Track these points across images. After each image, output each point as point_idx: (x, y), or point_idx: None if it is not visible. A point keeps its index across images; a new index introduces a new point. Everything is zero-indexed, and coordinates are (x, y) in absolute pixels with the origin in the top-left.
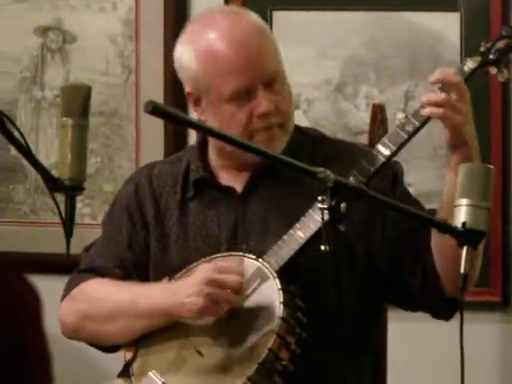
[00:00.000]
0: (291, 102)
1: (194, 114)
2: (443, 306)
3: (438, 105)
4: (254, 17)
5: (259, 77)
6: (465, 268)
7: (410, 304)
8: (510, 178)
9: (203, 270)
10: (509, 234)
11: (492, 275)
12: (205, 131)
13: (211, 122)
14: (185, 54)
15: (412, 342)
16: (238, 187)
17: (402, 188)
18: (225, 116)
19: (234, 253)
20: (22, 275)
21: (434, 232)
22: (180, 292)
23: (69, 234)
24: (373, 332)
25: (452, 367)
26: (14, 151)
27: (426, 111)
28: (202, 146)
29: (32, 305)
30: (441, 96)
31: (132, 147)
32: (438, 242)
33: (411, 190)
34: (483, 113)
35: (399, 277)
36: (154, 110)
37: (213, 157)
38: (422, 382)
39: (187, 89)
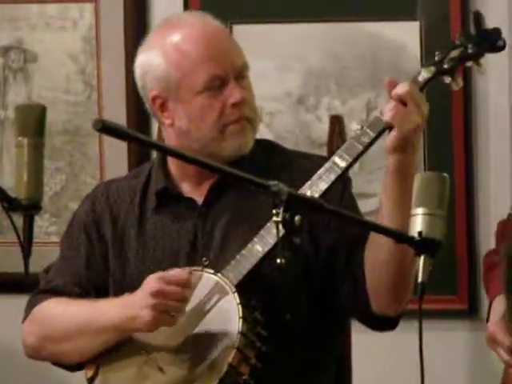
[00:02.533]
0: (255, 103)
1: (158, 127)
2: (371, 322)
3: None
4: (215, 20)
5: (230, 66)
6: (422, 277)
7: (344, 314)
8: (474, 184)
9: (148, 282)
10: (474, 241)
11: (458, 283)
12: (157, 148)
13: (180, 120)
14: (151, 55)
15: (376, 352)
16: (199, 199)
17: (347, 200)
18: (197, 110)
19: (193, 268)
20: None
21: (369, 243)
22: (130, 306)
23: (27, 253)
24: (334, 344)
25: (417, 376)
26: None
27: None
28: (163, 157)
29: None
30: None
31: (96, 164)
32: (371, 256)
33: (375, 200)
34: (445, 118)
35: (332, 287)
36: (103, 127)
37: (173, 168)
38: None
39: (153, 92)
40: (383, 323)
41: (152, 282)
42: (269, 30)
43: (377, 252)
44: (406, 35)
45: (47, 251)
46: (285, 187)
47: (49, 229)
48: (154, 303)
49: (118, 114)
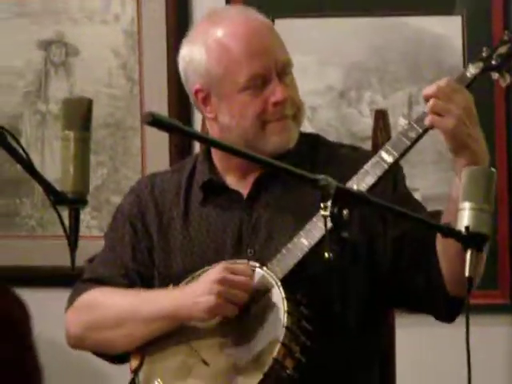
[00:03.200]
0: (300, 97)
1: (201, 121)
2: (446, 308)
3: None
4: (259, 14)
5: (273, 64)
6: (469, 271)
7: (413, 305)
8: None
9: (212, 271)
10: None
11: (499, 277)
12: (205, 141)
13: (222, 115)
14: (194, 50)
15: (419, 347)
16: (244, 191)
17: (402, 190)
18: (238, 106)
19: (238, 260)
20: (10, 290)
21: (438, 235)
22: (190, 293)
23: (73, 247)
24: (379, 338)
25: (460, 371)
26: None
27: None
28: (208, 150)
29: (21, 320)
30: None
31: (138, 158)
32: (443, 245)
33: (417, 195)
34: (487, 116)
35: (401, 275)
36: (153, 121)
37: (217, 160)
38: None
39: (196, 86)
40: (455, 309)
41: (217, 270)
42: (310, 25)
43: (445, 246)
44: (447, 29)
45: (89, 245)
46: (333, 181)
47: (90, 223)
48: (219, 290)
49: (159, 108)
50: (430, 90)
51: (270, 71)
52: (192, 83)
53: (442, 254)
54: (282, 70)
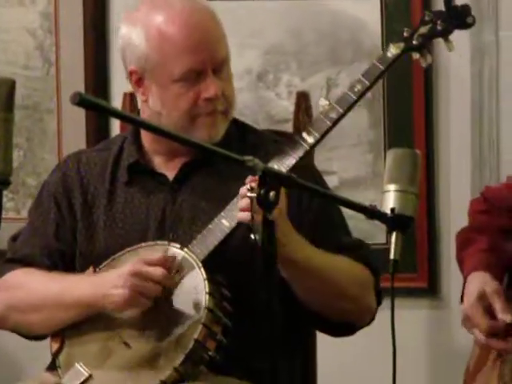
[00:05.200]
0: (234, 91)
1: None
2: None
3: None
4: (204, 1)
5: (210, 60)
6: (394, 254)
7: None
8: (435, 161)
9: (130, 264)
10: (434, 219)
11: (418, 261)
12: (134, 123)
13: (154, 100)
14: (134, 32)
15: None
16: (170, 175)
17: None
18: (170, 96)
19: (159, 242)
20: None
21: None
22: (105, 283)
23: None
24: (301, 322)
25: (383, 355)
26: None
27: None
28: (137, 131)
29: None
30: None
31: (54, 141)
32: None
33: (336, 178)
34: (406, 94)
35: None
36: (82, 101)
37: (146, 142)
38: (353, 369)
39: (131, 66)
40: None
41: (132, 263)
42: (229, 7)
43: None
44: (366, 12)
45: (5, 227)
46: (260, 163)
47: (6, 205)
48: (132, 283)
49: (76, 90)
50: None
51: (206, 66)
52: (128, 63)
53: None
54: (219, 66)
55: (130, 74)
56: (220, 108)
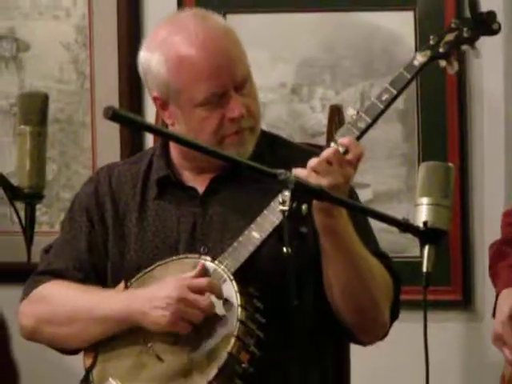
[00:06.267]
0: (259, 104)
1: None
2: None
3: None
4: (220, 20)
5: (231, 81)
6: (427, 267)
7: None
8: (469, 174)
9: (176, 287)
10: (468, 232)
11: (452, 273)
12: (167, 137)
13: (180, 125)
14: (153, 59)
15: (375, 345)
16: (200, 188)
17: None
18: (195, 120)
19: (190, 255)
20: None
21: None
22: (146, 300)
23: (29, 242)
24: (333, 334)
25: (416, 368)
26: None
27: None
28: (165, 145)
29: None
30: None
31: (88, 154)
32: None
33: (369, 190)
34: (440, 109)
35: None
36: (114, 115)
37: (176, 157)
38: (387, 378)
39: (154, 93)
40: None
41: (181, 287)
42: (262, 20)
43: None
44: (400, 24)
45: (39, 240)
46: (292, 176)
47: (40, 218)
48: (178, 309)
49: (110, 104)
50: (328, 151)
51: (228, 88)
52: (151, 89)
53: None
54: (241, 85)
55: (154, 99)
56: (246, 125)
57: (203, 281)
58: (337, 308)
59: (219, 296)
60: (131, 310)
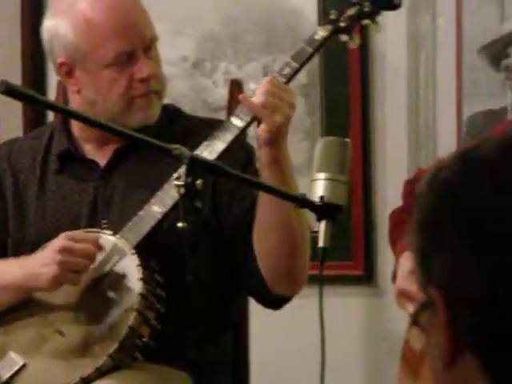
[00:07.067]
0: (163, 71)
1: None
2: (268, 301)
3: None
4: None
5: (139, 40)
6: (324, 242)
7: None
8: (371, 149)
9: (55, 240)
10: (370, 207)
11: (354, 249)
12: (62, 112)
13: (87, 89)
14: (60, 24)
15: (277, 319)
16: (102, 161)
17: (253, 169)
18: (104, 82)
19: (90, 229)
20: None
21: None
22: (34, 263)
23: None
24: (233, 308)
25: (316, 344)
26: None
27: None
28: (65, 119)
29: None
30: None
31: None
32: (260, 244)
33: None
34: (342, 83)
35: (234, 257)
36: (7, 89)
37: (76, 130)
38: (286, 357)
39: (60, 59)
40: (278, 302)
41: (59, 239)
42: None
43: (263, 244)
44: (303, 0)
45: None
46: (187, 151)
47: None
48: (59, 260)
49: (13, 78)
50: (259, 99)
51: (136, 47)
52: (57, 55)
53: (259, 252)
54: (148, 46)
55: (60, 66)
56: (154, 88)
57: (79, 231)
58: (271, 251)
59: (97, 245)
60: (25, 276)
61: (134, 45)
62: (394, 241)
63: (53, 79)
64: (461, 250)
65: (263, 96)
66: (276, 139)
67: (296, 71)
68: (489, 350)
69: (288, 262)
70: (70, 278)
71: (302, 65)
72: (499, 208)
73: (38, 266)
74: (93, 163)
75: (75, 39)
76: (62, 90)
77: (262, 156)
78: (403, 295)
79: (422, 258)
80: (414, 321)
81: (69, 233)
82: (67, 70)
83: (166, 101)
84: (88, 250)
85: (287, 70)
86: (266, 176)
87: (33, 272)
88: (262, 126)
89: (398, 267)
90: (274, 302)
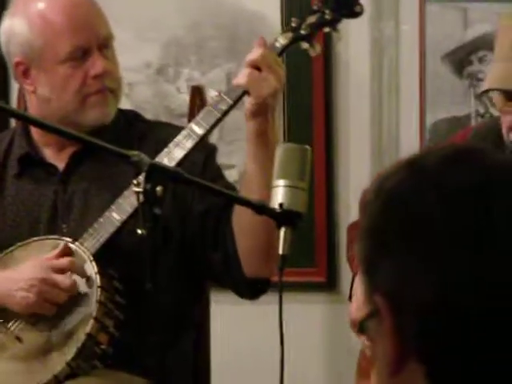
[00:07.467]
0: (120, 71)
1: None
2: (245, 288)
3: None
4: None
5: (94, 37)
6: (283, 249)
7: (217, 282)
8: (334, 155)
9: (39, 267)
10: (333, 213)
11: (317, 255)
12: (18, 117)
13: (42, 88)
14: (15, 23)
15: (237, 324)
16: (61, 165)
17: (213, 167)
18: (59, 79)
19: (50, 236)
20: None
21: (236, 211)
22: (10, 284)
23: None
24: (193, 313)
25: (275, 348)
26: None
27: (234, 82)
28: (25, 124)
29: None
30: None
31: None
32: (240, 221)
33: (234, 171)
34: (305, 89)
35: (203, 253)
36: None
37: (36, 134)
38: (246, 362)
39: (16, 58)
40: (256, 288)
41: (43, 268)
42: None
43: (243, 221)
44: (265, 5)
45: None
46: (146, 157)
47: None
48: (40, 290)
49: None
50: (254, 55)
51: (91, 44)
52: (13, 56)
53: (237, 230)
54: (103, 44)
55: (16, 66)
56: (109, 86)
57: (65, 261)
58: (252, 226)
59: (82, 274)
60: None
61: (89, 41)
62: (350, 257)
63: (16, 86)
64: (408, 257)
65: (253, 65)
66: (263, 111)
67: None
68: (434, 357)
69: (267, 237)
70: (45, 308)
71: None
72: (443, 217)
73: (14, 288)
74: (52, 167)
75: (31, 37)
76: (23, 97)
77: (248, 130)
78: (356, 325)
79: (368, 266)
80: (361, 330)
81: (53, 262)
82: (23, 70)
83: (129, 107)
84: (69, 285)
85: None
86: (252, 150)
87: (7, 292)
88: (250, 98)
89: (353, 291)
90: (250, 288)
